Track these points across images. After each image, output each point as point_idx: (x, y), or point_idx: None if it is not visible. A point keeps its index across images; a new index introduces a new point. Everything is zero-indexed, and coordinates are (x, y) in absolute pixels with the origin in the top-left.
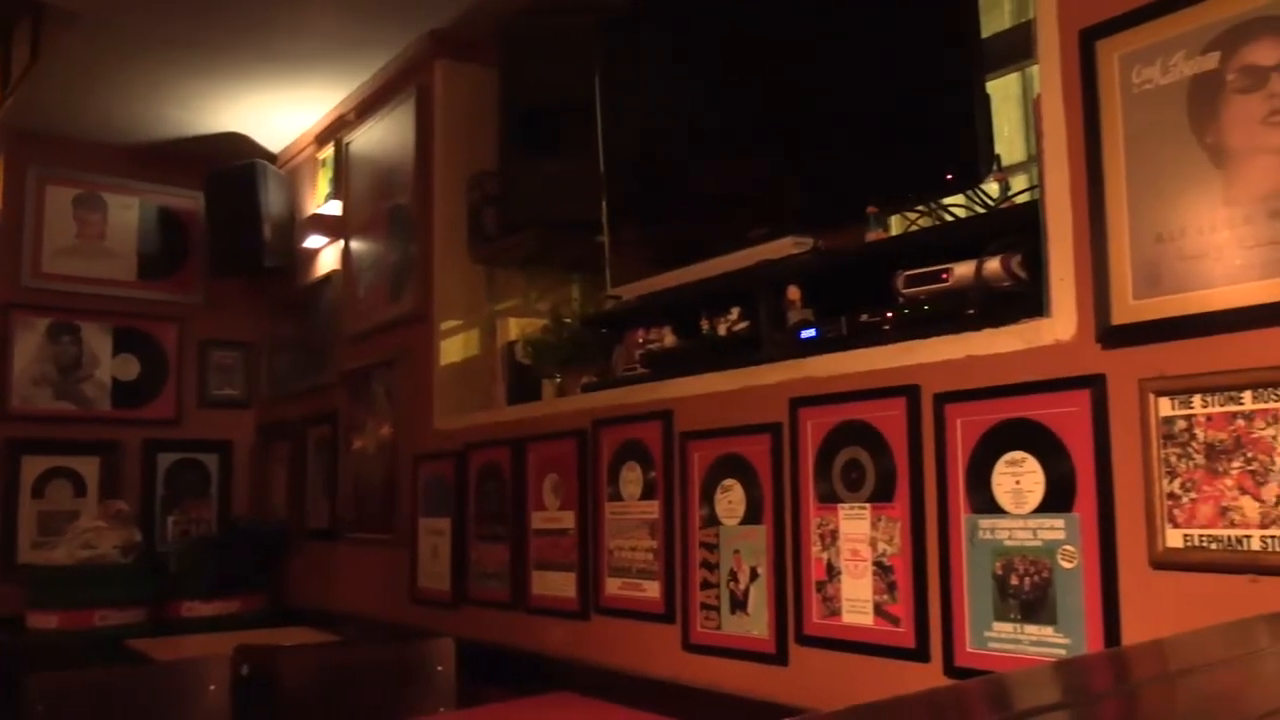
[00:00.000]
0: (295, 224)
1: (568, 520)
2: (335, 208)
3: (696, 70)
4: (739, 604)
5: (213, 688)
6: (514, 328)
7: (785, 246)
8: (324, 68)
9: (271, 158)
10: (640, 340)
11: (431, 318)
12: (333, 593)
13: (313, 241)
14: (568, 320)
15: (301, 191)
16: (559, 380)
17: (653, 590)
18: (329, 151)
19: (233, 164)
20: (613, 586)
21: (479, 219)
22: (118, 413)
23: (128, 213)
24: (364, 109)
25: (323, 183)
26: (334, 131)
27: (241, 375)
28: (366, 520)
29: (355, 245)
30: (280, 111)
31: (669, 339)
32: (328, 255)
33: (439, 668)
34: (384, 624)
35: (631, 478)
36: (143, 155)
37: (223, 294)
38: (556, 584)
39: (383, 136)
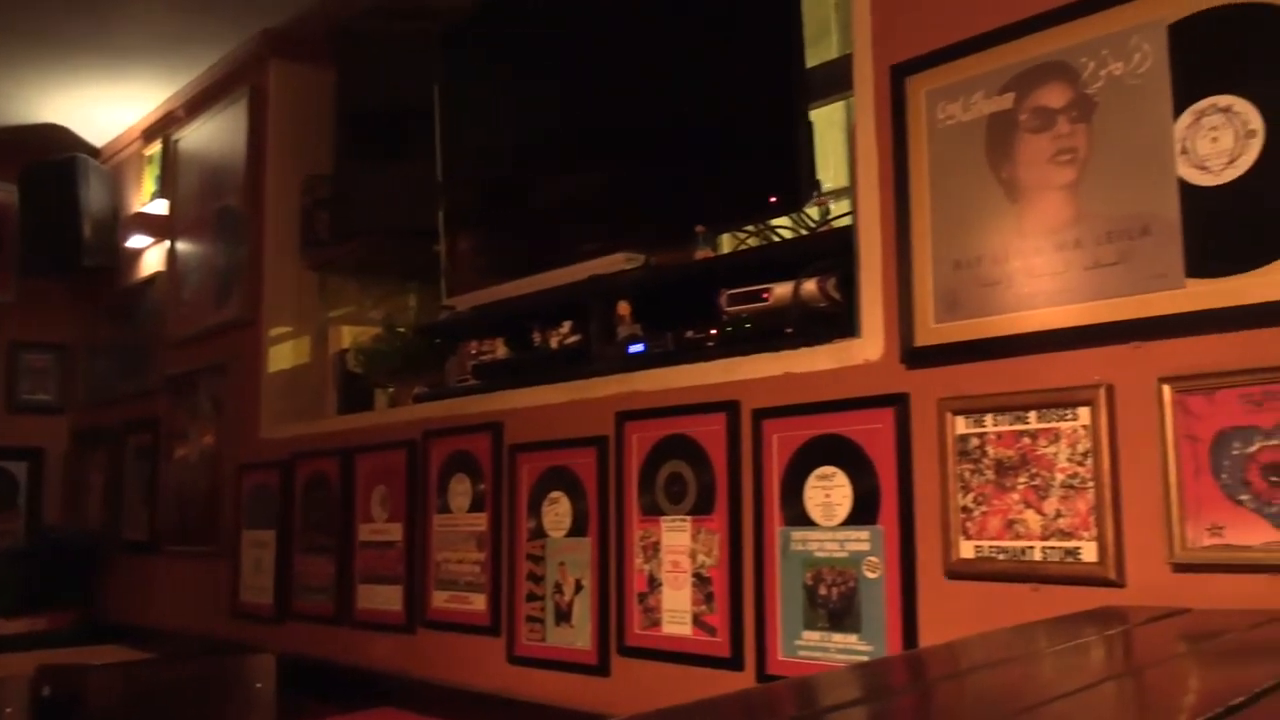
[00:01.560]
0: (118, 222)
1: (395, 532)
2: (161, 207)
3: (535, 84)
4: (563, 616)
5: (9, 710)
6: (347, 336)
7: (617, 262)
8: (152, 61)
9: (94, 152)
10: (473, 351)
11: (260, 323)
12: (150, 608)
13: (136, 241)
14: (401, 329)
15: (126, 189)
16: (391, 390)
17: (479, 603)
18: (156, 148)
19: (51, 157)
20: (439, 599)
21: (312, 223)
22: None
23: None
24: (194, 106)
25: (149, 180)
26: (162, 128)
27: (55, 379)
28: (187, 532)
29: (182, 246)
30: (104, 104)
31: (501, 351)
32: (152, 256)
33: (258, 685)
34: (203, 639)
35: (460, 489)
36: None
37: (36, 293)
38: (382, 597)
39: (213, 135)
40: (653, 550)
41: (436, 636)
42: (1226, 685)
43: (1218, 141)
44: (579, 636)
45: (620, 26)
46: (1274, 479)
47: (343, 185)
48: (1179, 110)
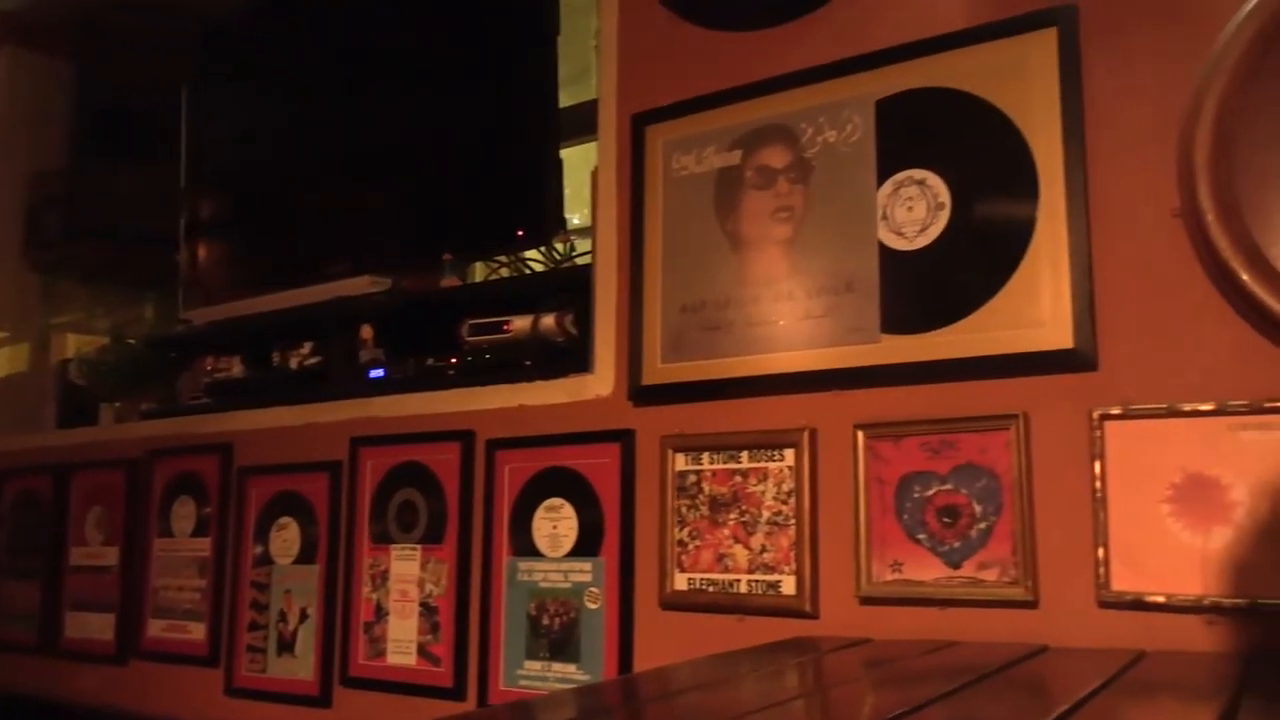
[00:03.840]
0: None
1: (111, 556)
2: None
3: (289, 97)
4: (286, 646)
5: None
6: (72, 344)
7: (362, 284)
8: None
9: None
10: (208, 368)
11: None
12: None
13: None
14: (130, 341)
15: None
16: (117, 405)
17: (198, 632)
18: None
19: None
20: (155, 628)
21: (39, 221)
22: None
23: None
24: None
25: None
26: None
27: None
28: None
29: None
30: None
31: (237, 369)
32: None
33: None
34: None
35: (184, 513)
36: None
37: None
38: (93, 626)
39: None
40: (381, 579)
41: (150, 668)
42: (893, 703)
43: (913, 211)
44: (301, 667)
45: (380, 50)
46: (946, 521)
47: (77, 183)
48: (882, 179)
